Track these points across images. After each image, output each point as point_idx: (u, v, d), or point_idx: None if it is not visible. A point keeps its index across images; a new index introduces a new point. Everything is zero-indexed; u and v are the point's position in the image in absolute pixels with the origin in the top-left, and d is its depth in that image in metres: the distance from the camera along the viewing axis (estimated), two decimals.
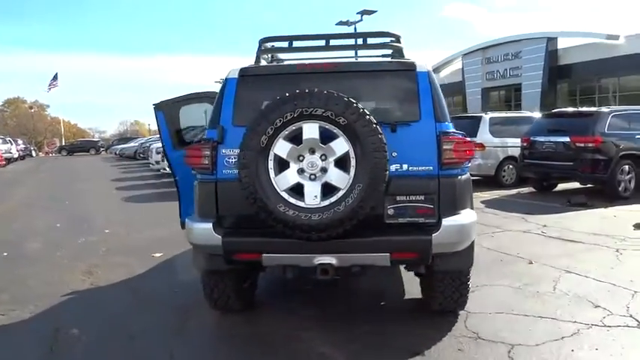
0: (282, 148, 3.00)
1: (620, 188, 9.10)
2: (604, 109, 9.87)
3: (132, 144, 35.71)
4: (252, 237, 3.20)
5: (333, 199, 2.94)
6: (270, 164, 3.00)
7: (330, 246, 3.01)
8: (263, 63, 3.81)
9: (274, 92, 3.30)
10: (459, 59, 36.10)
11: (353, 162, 2.94)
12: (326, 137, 2.97)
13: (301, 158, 3.02)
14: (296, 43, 3.98)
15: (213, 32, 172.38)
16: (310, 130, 2.96)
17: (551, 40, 29.26)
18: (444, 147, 3.09)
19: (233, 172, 3.19)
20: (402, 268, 4.34)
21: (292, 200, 2.96)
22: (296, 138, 3.00)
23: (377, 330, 3.54)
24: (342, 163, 2.98)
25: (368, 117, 2.90)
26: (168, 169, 14.53)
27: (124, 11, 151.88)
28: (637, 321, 3.58)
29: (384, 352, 3.22)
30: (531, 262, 5.18)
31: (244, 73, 3.43)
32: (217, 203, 3.27)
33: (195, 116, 4.96)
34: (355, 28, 24.28)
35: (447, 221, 3.06)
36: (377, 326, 3.60)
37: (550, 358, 3.06)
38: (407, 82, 3.28)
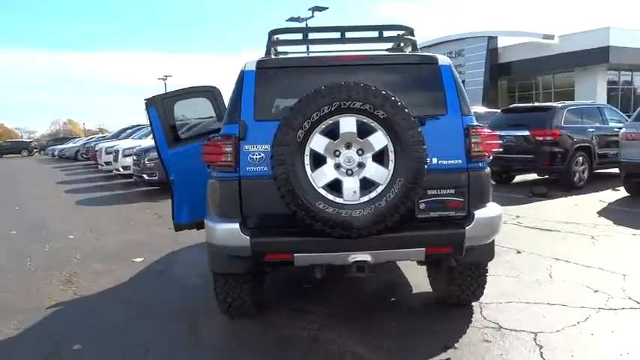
0: (318, 142, 2.90)
1: (575, 179, 9.62)
2: (559, 104, 10.38)
3: (72, 144, 33.86)
4: (282, 236, 3.08)
5: (373, 194, 2.88)
6: (307, 160, 2.89)
7: (365, 243, 2.95)
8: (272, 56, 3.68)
9: (296, 85, 3.24)
10: None
11: (392, 156, 2.88)
12: (363, 131, 2.90)
13: (337, 153, 2.93)
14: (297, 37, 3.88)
15: (145, 28, 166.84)
16: (348, 124, 2.87)
17: (492, 39, 30.16)
18: (473, 140, 3.10)
19: (258, 169, 3.08)
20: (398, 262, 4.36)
21: (330, 197, 2.87)
22: (332, 132, 2.91)
23: (402, 327, 3.52)
24: (379, 157, 2.92)
25: (407, 110, 2.86)
26: (125, 169, 14.07)
27: (49, 4, 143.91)
28: (637, 302, 3.78)
29: (417, 348, 3.20)
30: (519, 252, 5.35)
31: (262, 65, 3.29)
32: (241, 202, 3.11)
33: (189, 112, 4.74)
34: (306, 24, 24.24)
35: (478, 214, 3.08)
36: (401, 323, 3.58)
37: (576, 343, 3.16)
38: (431, 76, 3.26)
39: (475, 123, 3.20)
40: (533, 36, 28.05)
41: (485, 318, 3.58)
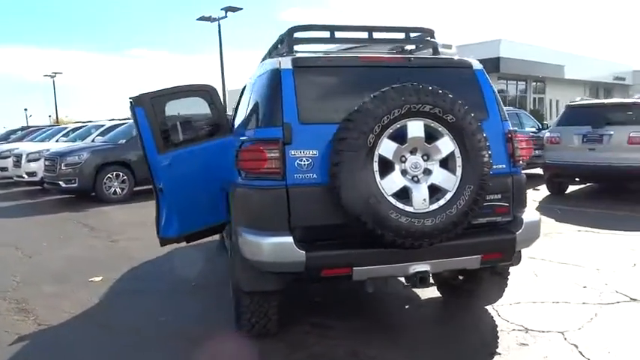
0: (387, 148, 2.74)
1: None
2: None
3: None
4: (339, 249, 2.85)
5: (442, 202, 2.78)
6: (375, 167, 2.71)
7: (423, 252, 2.83)
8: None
9: (334, 86, 3.08)
10: None
11: (459, 162, 2.81)
12: (429, 136, 2.79)
13: (403, 159, 2.79)
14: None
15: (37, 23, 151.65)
16: (416, 128, 2.75)
17: None
18: (516, 145, 3.12)
19: (306, 176, 2.84)
20: None
21: (400, 205, 2.72)
22: (399, 137, 2.76)
23: (434, 336, 3.47)
24: (445, 163, 2.83)
25: (473, 115, 2.80)
26: (31, 176, 12.41)
27: None
28: (625, 295, 4.07)
29: (464, 356, 3.15)
30: None
31: (298, 64, 3.04)
32: (290, 213, 2.84)
33: (180, 113, 4.29)
34: (219, 25, 23.56)
35: (526, 219, 3.11)
36: (430, 332, 3.52)
37: (602, 338, 3.32)
38: (469, 79, 3.22)
39: (512, 128, 3.23)
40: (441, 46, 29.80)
41: (507, 320, 3.64)
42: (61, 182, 10.25)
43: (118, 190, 10.40)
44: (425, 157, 2.82)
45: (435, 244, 2.80)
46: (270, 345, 3.37)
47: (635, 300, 3.96)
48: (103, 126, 13.90)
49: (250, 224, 2.96)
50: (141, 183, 10.66)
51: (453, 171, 2.83)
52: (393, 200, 2.73)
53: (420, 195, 2.76)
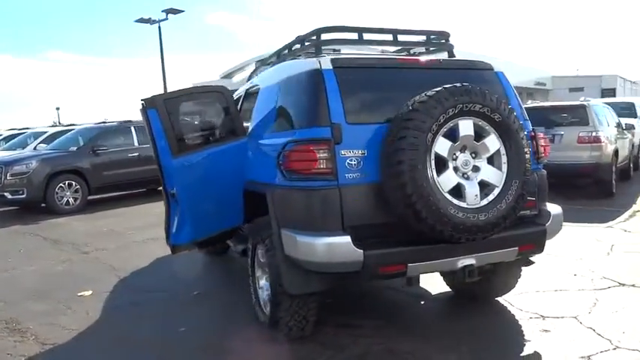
0: (442, 146, 2.86)
1: None
2: None
3: None
4: (394, 247, 2.90)
5: (491, 197, 2.92)
6: (432, 164, 2.82)
7: (469, 247, 2.95)
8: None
9: (372, 86, 3.19)
10: (251, 65, 36.85)
11: (504, 159, 2.97)
12: (477, 134, 2.94)
13: (455, 157, 2.93)
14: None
15: None
16: (467, 127, 2.89)
17: None
18: (540, 143, 3.34)
19: (355, 175, 2.92)
20: None
21: (456, 202, 2.83)
22: (451, 135, 2.88)
23: (460, 328, 3.59)
24: (492, 160, 2.98)
25: (515, 114, 2.97)
26: None
27: None
28: (613, 280, 4.41)
29: (495, 346, 3.29)
30: None
31: (338, 64, 3.11)
32: (342, 213, 2.86)
33: (191, 115, 4.15)
34: (160, 27, 22.86)
35: (552, 211, 3.32)
36: (455, 324, 3.65)
37: (612, 320, 3.58)
38: (492, 81, 3.41)
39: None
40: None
41: (522, 310, 3.84)
42: (6, 194, 9.51)
43: (71, 200, 9.78)
44: (473, 155, 2.96)
45: (487, 238, 2.94)
46: (305, 347, 3.36)
47: (623, 285, 4.30)
48: (44, 133, 13.05)
49: (301, 225, 2.95)
50: (96, 192, 10.18)
51: (499, 167, 2.99)
52: (449, 197, 2.83)
53: (472, 191, 2.89)
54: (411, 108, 2.83)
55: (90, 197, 10.13)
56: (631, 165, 11.13)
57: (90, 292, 4.77)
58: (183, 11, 22.36)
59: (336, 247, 2.81)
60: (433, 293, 4.35)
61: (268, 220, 3.21)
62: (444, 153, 2.88)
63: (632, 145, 11.25)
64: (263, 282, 3.61)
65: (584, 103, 9.03)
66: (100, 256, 6.31)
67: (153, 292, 4.74)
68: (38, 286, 5.11)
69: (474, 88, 2.88)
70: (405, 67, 3.34)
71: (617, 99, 18.76)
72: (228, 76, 37.62)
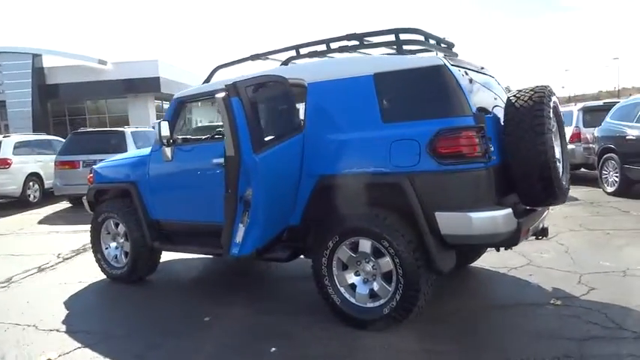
0: (554, 127, 3.59)
1: None
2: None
3: None
4: (526, 215, 3.49)
5: (563, 166, 3.76)
6: (555, 143, 3.58)
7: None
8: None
9: (470, 83, 3.59)
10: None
11: (559, 141, 3.83)
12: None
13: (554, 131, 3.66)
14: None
15: None
16: (552, 113, 3.56)
17: (37, 57, 27.00)
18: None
19: (494, 158, 3.30)
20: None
21: (561, 169, 3.61)
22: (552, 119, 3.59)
23: (489, 324, 3.66)
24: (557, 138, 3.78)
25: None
26: None
27: None
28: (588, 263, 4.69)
29: (545, 343, 3.22)
30: None
31: (449, 62, 3.46)
32: (496, 190, 3.31)
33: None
34: None
35: None
36: (479, 322, 3.67)
37: (624, 292, 3.94)
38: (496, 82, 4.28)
39: None
40: (87, 60, 26.99)
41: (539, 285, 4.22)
42: None
43: None
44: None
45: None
46: (361, 338, 3.36)
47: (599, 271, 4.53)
48: None
49: (461, 205, 3.19)
50: None
51: (561, 144, 3.86)
52: (560, 167, 3.56)
53: (561, 161, 3.70)
54: (536, 100, 3.39)
55: None
56: None
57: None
58: None
59: (507, 217, 3.19)
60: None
61: (365, 215, 3.37)
62: (555, 136, 3.65)
63: None
64: (356, 278, 3.56)
65: None
66: (29, 286, 5.11)
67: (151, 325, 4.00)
68: (41, 310, 4.27)
69: (548, 85, 3.61)
70: (477, 70, 3.94)
71: None
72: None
